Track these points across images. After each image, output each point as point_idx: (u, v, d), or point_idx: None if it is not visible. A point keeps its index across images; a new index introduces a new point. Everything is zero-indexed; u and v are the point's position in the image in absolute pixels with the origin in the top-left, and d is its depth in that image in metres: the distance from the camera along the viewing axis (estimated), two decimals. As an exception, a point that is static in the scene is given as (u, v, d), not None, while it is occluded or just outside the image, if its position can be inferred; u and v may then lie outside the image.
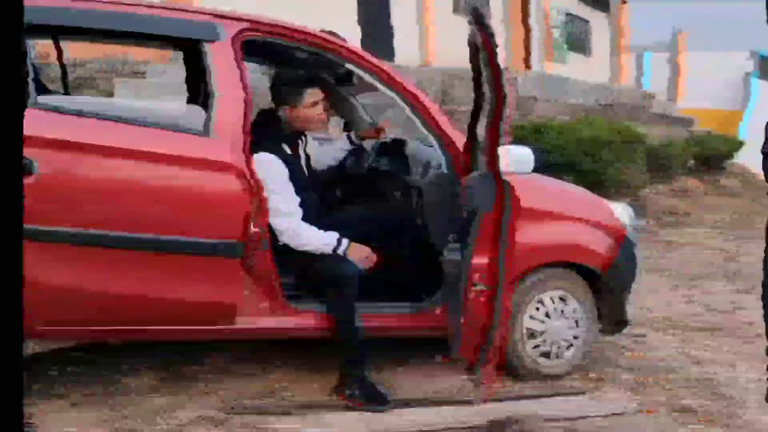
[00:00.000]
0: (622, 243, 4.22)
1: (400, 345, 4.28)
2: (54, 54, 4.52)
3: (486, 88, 3.50)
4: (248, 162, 3.50)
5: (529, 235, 3.89)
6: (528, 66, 19.18)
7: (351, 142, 4.53)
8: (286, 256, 3.75)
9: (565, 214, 4.18)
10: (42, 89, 3.86)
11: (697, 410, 3.86)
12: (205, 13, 3.70)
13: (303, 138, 4.07)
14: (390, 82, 3.86)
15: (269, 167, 3.66)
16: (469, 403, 3.71)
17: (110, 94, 9.71)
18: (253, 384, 3.95)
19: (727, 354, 4.86)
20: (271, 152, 3.72)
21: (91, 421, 3.43)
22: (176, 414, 3.55)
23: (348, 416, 3.57)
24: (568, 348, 4.16)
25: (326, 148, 4.56)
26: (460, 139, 3.86)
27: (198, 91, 4.17)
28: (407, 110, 3.89)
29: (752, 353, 4.86)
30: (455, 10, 17.25)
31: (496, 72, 3.37)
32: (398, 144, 4.55)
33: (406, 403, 3.73)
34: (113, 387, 3.81)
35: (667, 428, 3.64)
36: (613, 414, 3.77)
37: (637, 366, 4.50)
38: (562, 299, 4.13)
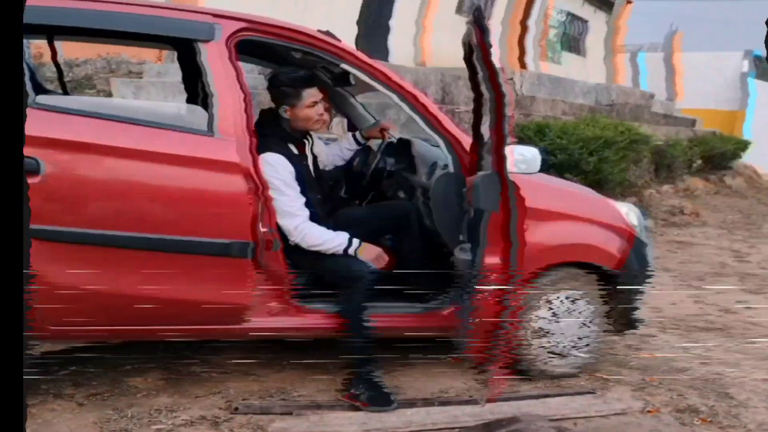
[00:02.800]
0: (634, 243, 4.21)
1: (407, 345, 4.27)
2: (47, 54, 4.52)
3: (484, 88, 3.49)
4: (255, 162, 3.49)
5: (542, 234, 3.90)
6: (523, 66, 19.21)
7: (357, 141, 4.53)
8: (297, 256, 3.75)
9: (577, 214, 4.17)
10: (40, 89, 3.86)
11: (701, 410, 3.86)
12: (201, 13, 3.68)
13: (309, 138, 4.07)
14: (387, 82, 3.84)
15: (276, 167, 3.66)
16: (474, 402, 3.70)
17: (108, 94, 9.72)
18: (256, 384, 3.94)
19: (733, 354, 4.86)
20: (278, 152, 3.72)
21: (96, 421, 3.42)
22: (180, 414, 3.54)
23: (354, 416, 3.56)
24: (577, 348, 4.16)
25: (332, 148, 4.57)
26: (465, 139, 3.85)
27: (195, 90, 4.16)
28: (408, 110, 3.87)
29: (758, 354, 4.88)
30: (458, 10, 17.29)
31: (492, 71, 3.36)
32: (404, 144, 4.54)
33: (412, 403, 3.71)
34: (118, 387, 3.80)
35: (670, 428, 3.63)
36: (617, 413, 3.76)
37: (644, 366, 4.50)
38: (573, 299, 4.12)
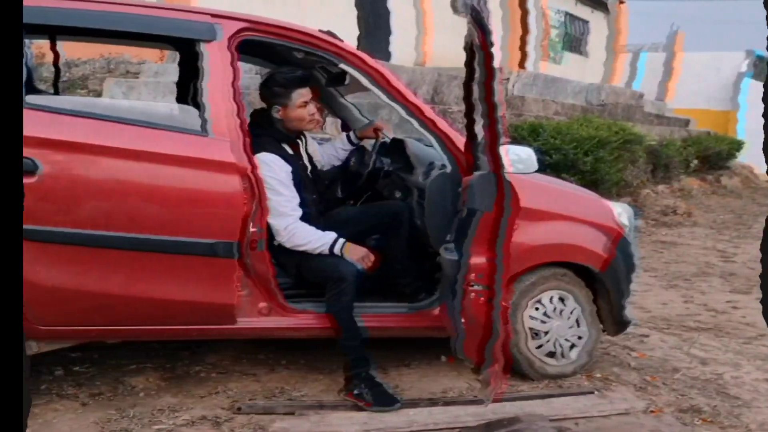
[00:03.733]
0: (620, 242, 4.20)
1: (405, 345, 4.28)
2: (49, 54, 4.50)
3: (476, 88, 3.48)
4: (250, 161, 3.49)
5: (527, 234, 3.90)
6: (523, 66, 19.25)
7: (351, 141, 4.52)
8: (285, 255, 3.75)
9: (563, 213, 4.15)
10: (33, 89, 3.83)
11: (704, 410, 3.85)
12: (202, 13, 3.67)
13: (303, 138, 4.06)
14: (384, 83, 3.83)
15: (271, 167, 3.65)
16: (478, 402, 3.69)
17: (99, 94, 9.68)
18: (257, 383, 3.94)
19: (730, 354, 4.86)
20: (273, 152, 3.72)
21: (97, 421, 3.42)
22: (182, 414, 3.55)
23: (355, 416, 3.55)
24: (572, 348, 4.17)
25: (327, 148, 4.56)
26: (459, 139, 3.85)
27: (189, 91, 4.14)
28: (402, 112, 3.86)
29: (755, 353, 4.89)
30: (455, 10, 17.33)
31: (489, 72, 3.34)
32: (399, 144, 4.53)
33: (415, 403, 3.71)
34: (119, 387, 3.80)
35: (672, 428, 3.62)
36: (620, 413, 3.75)
37: (642, 366, 4.49)
38: (560, 299, 4.12)
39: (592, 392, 3.96)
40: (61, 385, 3.78)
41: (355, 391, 3.65)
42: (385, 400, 3.63)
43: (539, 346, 4.09)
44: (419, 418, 3.55)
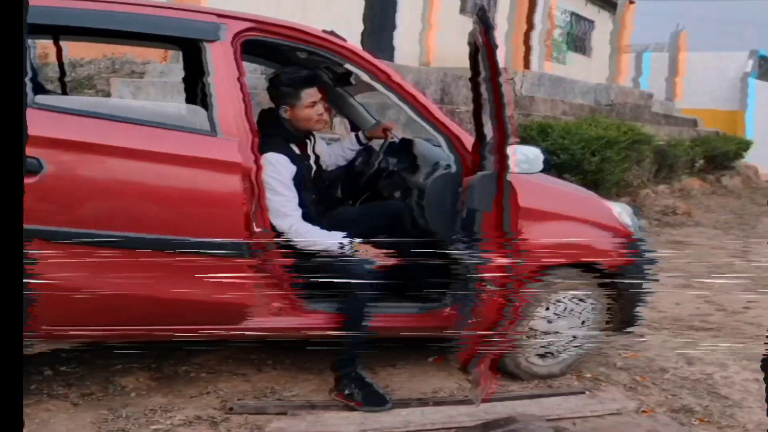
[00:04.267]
0: (629, 243, 4.19)
1: (392, 345, 4.26)
2: (53, 54, 4.52)
3: (484, 88, 3.49)
4: (256, 162, 3.49)
5: (539, 235, 3.88)
6: (528, 66, 19.21)
7: (359, 141, 4.54)
8: (295, 255, 3.74)
9: (573, 214, 4.16)
10: (40, 89, 3.86)
11: (697, 410, 3.86)
12: (205, 13, 3.67)
13: (311, 138, 4.07)
14: (389, 82, 3.83)
15: (276, 167, 3.66)
16: (470, 402, 3.68)
17: (107, 94, 9.71)
18: (247, 383, 3.94)
19: (718, 354, 4.85)
20: (280, 152, 3.72)
21: (93, 421, 3.43)
22: (175, 414, 3.55)
23: (350, 416, 3.56)
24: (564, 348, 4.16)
25: (334, 147, 4.57)
26: (467, 139, 3.84)
27: (196, 90, 4.16)
28: (409, 111, 3.86)
29: (748, 354, 4.86)
30: (462, 10, 17.31)
31: (494, 72, 3.36)
32: (406, 144, 4.54)
33: (407, 403, 3.72)
34: (109, 387, 3.81)
35: (669, 428, 3.63)
36: (612, 413, 3.77)
37: (630, 366, 4.49)
38: (574, 299, 4.12)
39: (583, 392, 3.98)
40: (51, 385, 3.78)
41: (346, 391, 3.66)
42: (375, 400, 3.64)
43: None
44: (414, 419, 3.56)
